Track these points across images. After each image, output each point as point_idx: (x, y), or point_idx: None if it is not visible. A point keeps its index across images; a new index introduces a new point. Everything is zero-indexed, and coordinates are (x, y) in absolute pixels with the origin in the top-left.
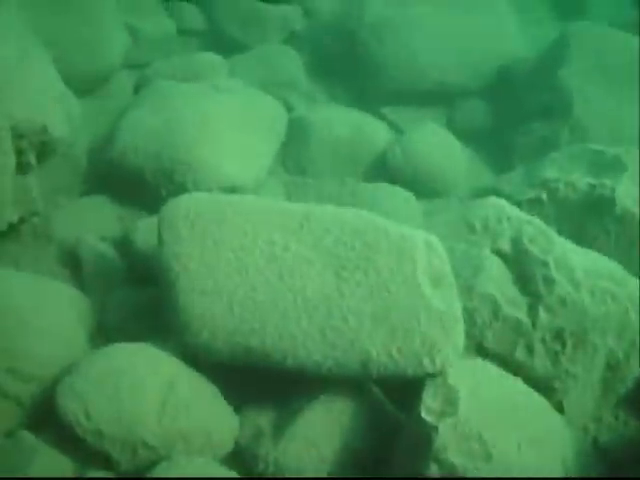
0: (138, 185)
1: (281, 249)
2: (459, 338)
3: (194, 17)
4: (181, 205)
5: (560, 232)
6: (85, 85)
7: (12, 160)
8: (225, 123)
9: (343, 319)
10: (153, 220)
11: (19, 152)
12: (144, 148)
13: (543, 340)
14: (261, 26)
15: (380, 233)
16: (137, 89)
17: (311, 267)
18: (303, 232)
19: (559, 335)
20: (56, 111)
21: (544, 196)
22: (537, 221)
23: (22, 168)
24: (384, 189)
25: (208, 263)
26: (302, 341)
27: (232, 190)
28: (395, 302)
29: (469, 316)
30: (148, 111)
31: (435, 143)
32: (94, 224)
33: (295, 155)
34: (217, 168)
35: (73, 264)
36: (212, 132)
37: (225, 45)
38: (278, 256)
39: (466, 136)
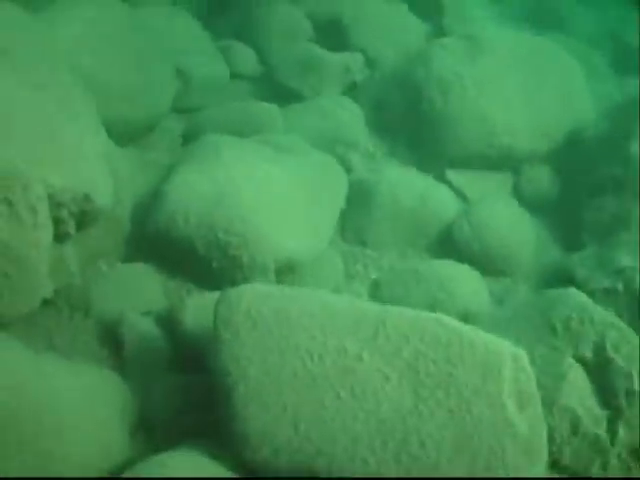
0: (186, 254)
1: (354, 359)
2: (542, 465)
3: (249, 61)
4: (241, 299)
5: (634, 326)
6: (129, 133)
7: (49, 233)
8: (284, 189)
9: (421, 444)
10: (203, 297)
11: (57, 221)
12: (195, 216)
13: (619, 456)
14: (320, 75)
15: (465, 345)
16: (186, 139)
17: (387, 382)
18: (379, 340)
19: (636, 451)
20: (100, 174)
21: (620, 286)
22: (620, 324)
23: (59, 237)
24: (450, 267)
25: (271, 370)
26: (374, 467)
27: (289, 265)
28: (478, 426)
29: (549, 433)
30: (199, 172)
31: (505, 218)
32: (137, 296)
33: (355, 223)
34: (275, 242)
35: (113, 343)
36: (270, 200)
37: (280, 93)
38: (350, 367)
39: (532, 205)
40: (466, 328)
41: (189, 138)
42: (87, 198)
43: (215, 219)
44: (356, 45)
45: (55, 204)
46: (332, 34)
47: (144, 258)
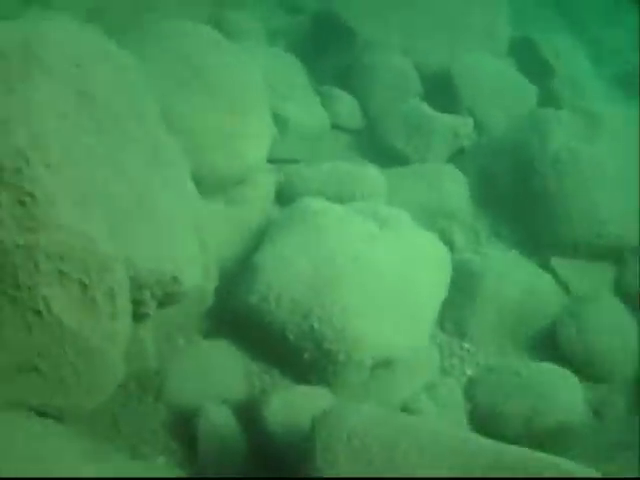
0: (275, 339)
1: None
2: None
3: (352, 113)
4: (344, 423)
5: None
6: (219, 184)
7: (127, 323)
8: (388, 275)
9: None
10: (290, 393)
11: (136, 302)
12: (290, 300)
13: None
14: (427, 137)
15: None
16: (280, 195)
17: None
18: None
19: None
20: (190, 250)
21: None
22: None
23: (136, 317)
24: (551, 373)
25: None
26: None
27: (386, 362)
28: None
29: None
30: (297, 247)
31: (611, 322)
32: (214, 379)
33: (455, 313)
34: (375, 337)
35: (184, 434)
36: (373, 288)
37: (381, 151)
38: None
39: (633, 300)
40: (581, 469)
41: (283, 195)
42: (175, 281)
43: (312, 306)
44: (465, 103)
45: (137, 286)
46: (440, 87)
47: (226, 334)
